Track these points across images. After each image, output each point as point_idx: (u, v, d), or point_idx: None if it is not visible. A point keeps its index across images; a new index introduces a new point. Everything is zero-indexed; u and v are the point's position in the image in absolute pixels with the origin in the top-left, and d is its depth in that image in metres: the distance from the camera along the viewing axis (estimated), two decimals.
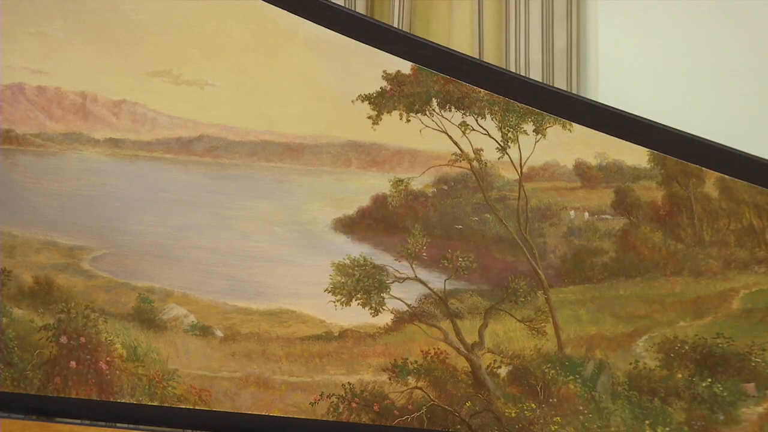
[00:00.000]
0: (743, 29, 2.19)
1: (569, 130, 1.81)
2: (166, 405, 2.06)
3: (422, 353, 1.93)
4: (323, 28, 1.87)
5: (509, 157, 1.84)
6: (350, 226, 1.93)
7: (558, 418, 1.88)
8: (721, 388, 1.81)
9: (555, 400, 1.88)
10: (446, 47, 1.91)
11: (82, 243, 2.06)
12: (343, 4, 2.26)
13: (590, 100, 1.91)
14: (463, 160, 1.86)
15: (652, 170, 1.79)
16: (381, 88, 1.87)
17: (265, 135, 1.94)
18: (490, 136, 1.84)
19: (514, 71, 2.23)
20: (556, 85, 2.22)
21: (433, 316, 1.92)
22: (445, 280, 1.91)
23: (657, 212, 1.81)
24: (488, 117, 1.84)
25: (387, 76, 1.86)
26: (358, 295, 1.94)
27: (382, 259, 1.93)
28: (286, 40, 1.89)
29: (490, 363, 1.91)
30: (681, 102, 2.20)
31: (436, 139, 1.86)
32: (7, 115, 2.04)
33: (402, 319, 1.94)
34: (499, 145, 1.84)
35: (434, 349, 1.93)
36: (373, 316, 1.94)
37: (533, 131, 1.83)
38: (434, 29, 2.30)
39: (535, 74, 2.24)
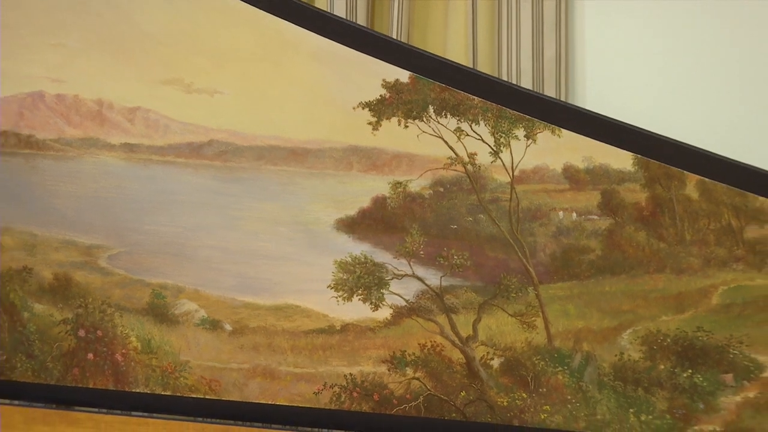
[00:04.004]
0: (724, 40, 2.19)
1: (558, 135, 1.80)
2: (178, 394, 2.06)
3: (419, 346, 1.93)
4: (326, 39, 1.86)
5: (501, 161, 1.84)
6: (351, 226, 1.93)
7: (547, 406, 1.88)
8: (701, 379, 1.81)
9: (544, 389, 1.88)
10: (442, 57, 1.91)
11: (98, 242, 2.06)
12: (344, 17, 2.26)
13: (578, 107, 1.94)
14: (458, 163, 1.85)
15: (636, 173, 1.79)
16: (380, 95, 1.86)
17: (272, 140, 1.94)
18: (484, 141, 1.84)
19: (506, 80, 2.23)
20: (545, 93, 2.21)
21: (429, 310, 1.92)
22: (441, 277, 1.91)
23: (641, 213, 1.80)
24: (482, 123, 1.83)
25: (386, 85, 1.86)
26: (359, 291, 1.94)
27: (382, 257, 1.93)
28: (292, 50, 1.89)
29: (484, 355, 1.91)
30: (664, 108, 2.21)
31: (432, 144, 1.86)
32: (27, 121, 2.04)
33: (400, 314, 1.94)
34: (492, 149, 1.84)
35: (431, 341, 1.93)
36: (373, 311, 1.94)
37: (524, 136, 1.82)
38: (431, 40, 2.31)
39: (526, 82, 2.23)
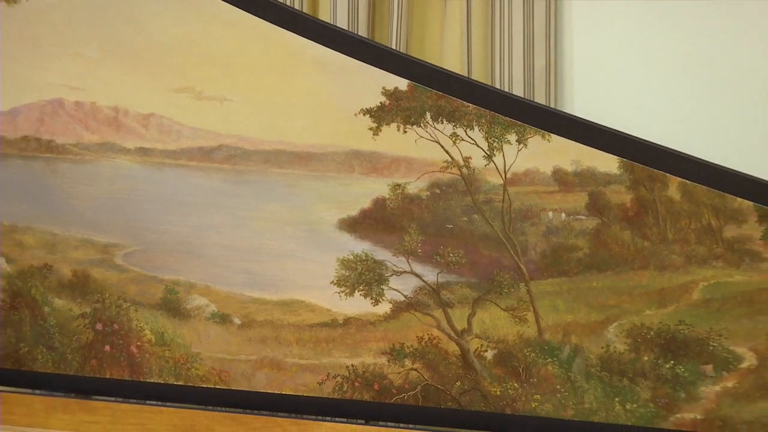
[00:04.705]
0: (702, 51, 2.20)
1: (548, 140, 1.82)
2: (190, 384, 2.06)
3: (417, 338, 1.94)
4: (329, 49, 1.87)
5: (494, 164, 1.85)
6: (353, 225, 1.94)
7: (538, 395, 1.89)
8: (682, 370, 1.82)
9: (535, 380, 1.88)
10: (439, 66, 1.92)
11: (115, 240, 2.07)
12: (346, 28, 2.27)
13: (566, 113, 1.94)
14: (454, 166, 1.87)
15: (621, 176, 1.80)
16: (380, 102, 1.87)
17: (278, 144, 1.94)
18: (478, 146, 1.85)
19: (499, 88, 2.22)
20: (536, 101, 2.21)
21: (427, 305, 1.93)
22: (437, 274, 1.92)
23: (626, 213, 1.81)
24: (476, 128, 1.84)
25: (386, 92, 1.87)
26: (361, 287, 1.95)
27: (382, 255, 1.94)
28: (296, 60, 1.90)
29: (478, 347, 1.92)
30: (648, 114, 2.20)
31: (429, 148, 1.87)
32: (48, 126, 2.04)
33: (399, 308, 1.94)
34: (486, 153, 1.85)
35: (428, 334, 1.94)
36: (374, 306, 1.95)
37: (516, 141, 1.83)
38: (428, 50, 2.29)
39: (518, 90, 2.23)
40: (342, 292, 1.96)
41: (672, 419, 1.82)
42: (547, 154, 1.82)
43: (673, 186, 1.78)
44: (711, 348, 1.80)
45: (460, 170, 1.86)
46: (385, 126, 1.87)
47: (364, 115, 1.88)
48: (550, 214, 1.85)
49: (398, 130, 1.87)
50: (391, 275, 1.94)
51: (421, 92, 1.85)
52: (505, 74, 2.24)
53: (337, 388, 1.99)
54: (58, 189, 2.07)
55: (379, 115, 1.87)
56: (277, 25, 1.88)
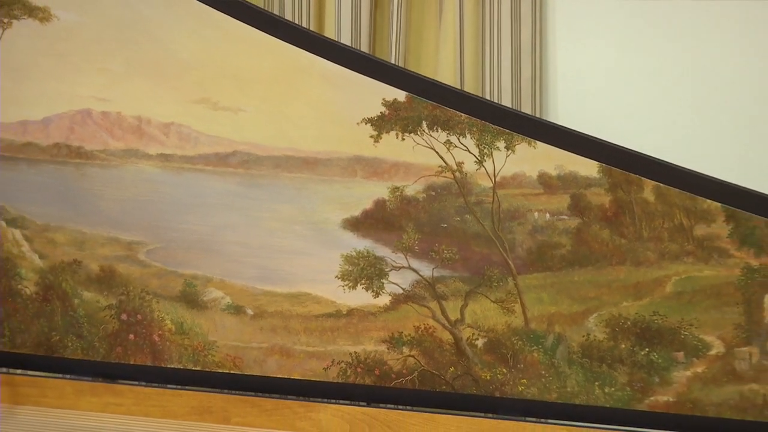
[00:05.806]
0: (678, 65, 2.24)
1: (534, 146, 1.84)
2: (207, 370, 2.09)
3: (414, 328, 1.97)
4: (335, 64, 1.89)
5: (485, 168, 1.88)
6: (356, 225, 1.96)
7: (524, 380, 1.92)
8: (656, 356, 1.84)
9: (522, 366, 1.91)
10: (434, 79, 1.97)
11: (138, 238, 2.09)
12: (350, 44, 2.29)
13: (551, 122, 1.99)
14: (448, 171, 1.89)
15: (601, 179, 1.82)
16: (381, 112, 1.90)
17: (287, 151, 1.97)
18: (470, 152, 1.87)
19: (488, 98, 2.26)
20: (523, 110, 2.25)
21: (423, 297, 1.96)
22: (433, 269, 1.94)
23: (605, 213, 1.84)
24: (468, 136, 1.86)
25: (386, 103, 1.89)
26: (363, 281, 1.97)
27: (382, 251, 1.96)
28: (305, 74, 1.92)
29: (470, 336, 1.94)
30: (626, 122, 2.24)
31: (425, 154, 1.90)
32: (77, 134, 2.06)
33: (398, 301, 1.97)
34: (477, 159, 1.87)
35: (424, 324, 1.97)
36: (375, 298, 1.98)
37: (504, 148, 1.85)
38: (424, 64, 2.34)
39: (506, 100, 2.26)
40: (345, 285, 1.98)
41: (647, 401, 1.85)
42: (533, 159, 1.84)
43: (648, 189, 1.81)
44: (682, 337, 1.83)
45: (454, 174, 1.89)
46: (385, 134, 1.90)
47: (366, 123, 1.90)
48: (536, 214, 1.87)
49: (397, 137, 1.90)
50: (391, 270, 1.96)
51: (418, 103, 1.88)
52: (495, 85, 2.28)
53: (341, 373, 2.01)
54: (87, 192, 2.09)
55: (380, 124, 1.90)
56: (287, 42, 1.91)
